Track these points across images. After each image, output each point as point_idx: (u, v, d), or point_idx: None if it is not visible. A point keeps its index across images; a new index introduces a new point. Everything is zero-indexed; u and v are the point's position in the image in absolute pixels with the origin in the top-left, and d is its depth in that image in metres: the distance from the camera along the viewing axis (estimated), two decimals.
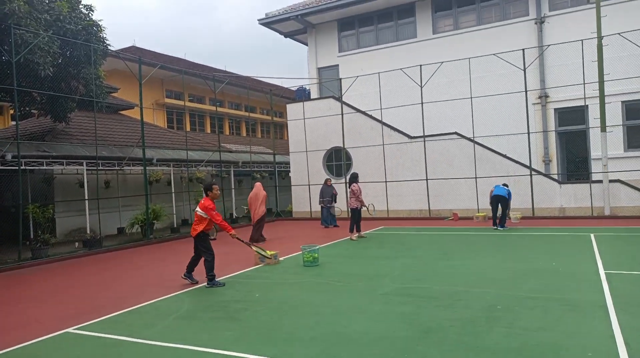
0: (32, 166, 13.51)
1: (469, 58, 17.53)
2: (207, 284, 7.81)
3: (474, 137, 17.19)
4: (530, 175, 16.06)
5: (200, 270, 8.10)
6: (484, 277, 7.43)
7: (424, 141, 17.89)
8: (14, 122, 22.16)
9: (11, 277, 10.01)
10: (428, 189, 17.72)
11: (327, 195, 16.54)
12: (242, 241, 8.53)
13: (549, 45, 17.01)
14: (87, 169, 14.92)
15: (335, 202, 16.84)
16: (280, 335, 5.09)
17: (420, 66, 18.02)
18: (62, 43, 12.93)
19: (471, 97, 17.44)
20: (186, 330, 5.49)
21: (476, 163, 16.90)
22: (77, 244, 13.96)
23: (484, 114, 17.77)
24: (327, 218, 16.50)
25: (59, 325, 5.94)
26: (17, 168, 12.03)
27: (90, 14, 14.01)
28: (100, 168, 15.26)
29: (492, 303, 5.86)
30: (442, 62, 17.76)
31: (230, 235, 8.10)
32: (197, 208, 8.07)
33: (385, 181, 18.53)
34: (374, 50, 21.03)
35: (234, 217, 20.07)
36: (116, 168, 16.21)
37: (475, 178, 16.80)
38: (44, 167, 13.93)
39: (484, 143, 17.21)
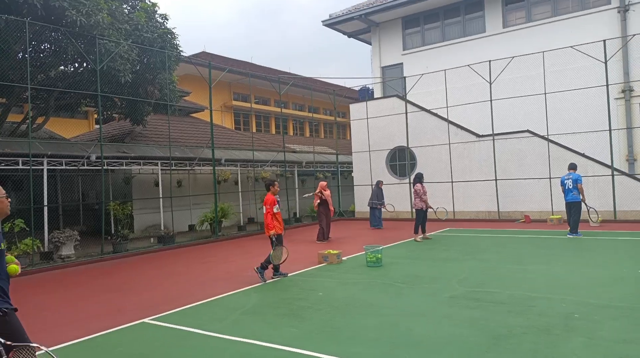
0: (113, 166, 14.52)
1: (543, 52, 16.58)
2: (257, 268, 8.25)
3: (547, 135, 16.24)
4: (612, 175, 14.90)
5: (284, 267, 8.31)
6: (559, 283, 6.99)
7: (493, 140, 17.17)
8: (97, 126, 23.98)
9: (96, 269, 10.83)
10: (497, 190, 16.99)
11: (380, 198, 16.36)
12: (273, 241, 8.47)
13: (634, 35, 15.68)
14: (161, 169, 15.80)
15: (384, 206, 16.65)
16: (344, 335, 5.10)
17: (490, 61, 17.31)
18: (140, 51, 13.79)
19: (545, 93, 16.49)
20: (253, 325, 5.65)
21: (550, 162, 15.96)
22: (152, 239, 14.82)
23: (559, 111, 16.73)
24: (378, 219, 16.30)
25: (137, 315, 6.33)
26: (100, 167, 13.00)
27: (165, 23, 14.84)
28: (173, 167, 16.10)
29: (569, 311, 5.50)
30: (513, 57, 16.95)
31: (269, 235, 8.44)
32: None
33: (452, 182, 17.99)
34: (439, 47, 20.49)
35: (298, 216, 20.37)
36: (187, 168, 17.03)
37: (550, 178, 15.86)
38: (124, 167, 14.93)
39: (559, 141, 16.21)
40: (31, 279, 9.87)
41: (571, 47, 16.03)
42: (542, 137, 16.38)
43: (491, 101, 17.29)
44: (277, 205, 8.60)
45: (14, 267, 3.51)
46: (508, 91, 17.70)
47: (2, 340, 3.06)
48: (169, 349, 4.96)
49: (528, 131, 16.72)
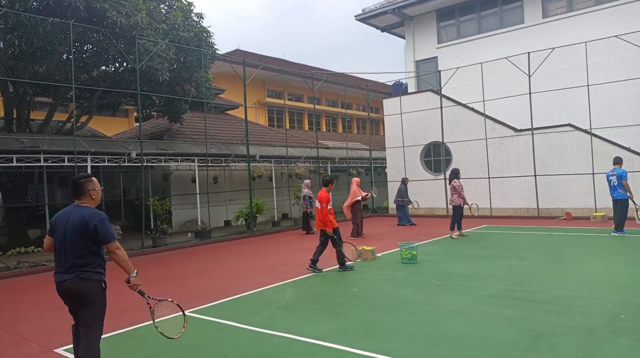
0: (153, 162, 14.95)
1: (585, 42, 15.92)
2: (339, 268, 8.54)
3: (590, 128, 15.62)
4: None
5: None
6: (603, 283, 6.74)
7: (532, 134, 16.66)
8: (137, 124, 24.74)
9: (137, 262, 11.12)
10: (537, 186, 16.48)
11: (405, 195, 16.16)
12: (335, 238, 8.66)
13: None
14: (198, 166, 16.16)
15: (411, 203, 16.47)
16: (380, 331, 5.09)
17: (529, 53, 16.77)
18: (177, 50, 14.12)
19: (588, 85, 15.85)
20: (288, 319, 5.72)
21: (593, 157, 15.35)
22: (190, 234, 15.19)
23: (602, 103, 16.03)
24: (405, 217, 16.12)
25: (164, 314, 6.49)
26: (140, 164, 13.42)
27: (200, 22, 15.13)
28: (210, 164, 16.43)
29: (614, 312, 5.30)
30: (554, 48, 16.36)
31: (328, 231, 8.57)
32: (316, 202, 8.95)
33: (489, 178, 17.59)
34: (475, 39, 20.00)
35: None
36: (223, 164, 17.34)
37: (593, 173, 15.27)
38: (162, 164, 15.35)
39: (602, 135, 15.56)
40: None
41: (615, 36, 15.33)
42: (585, 131, 15.77)
43: (530, 94, 16.76)
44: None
45: None
46: (548, 83, 17.10)
47: (146, 294, 4.15)
48: (208, 341, 5.09)
49: (569, 124, 16.13)
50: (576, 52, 16.39)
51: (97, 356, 3.95)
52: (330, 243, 8.68)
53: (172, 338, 4.39)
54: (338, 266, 8.63)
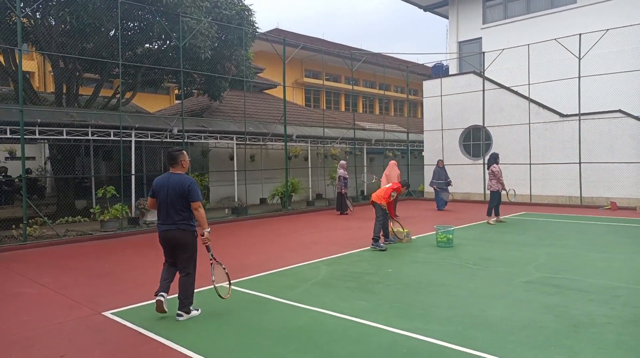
0: (193, 139, 15.30)
1: None
2: (372, 245, 8.84)
3: None
4: None
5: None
6: None
7: (579, 120, 16.01)
8: (178, 101, 25.28)
9: None
10: (581, 174, 15.90)
11: (442, 177, 15.81)
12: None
13: None
14: (236, 144, 16.42)
15: (451, 185, 16.04)
16: (415, 311, 5.12)
17: (580, 34, 15.99)
18: (219, 28, 14.24)
19: None
20: (324, 295, 5.83)
21: None
22: (227, 211, 15.55)
23: None
24: (441, 200, 15.80)
25: (216, 279, 6.72)
26: (181, 140, 13.76)
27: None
28: (247, 142, 16.66)
29: None
30: (607, 30, 15.52)
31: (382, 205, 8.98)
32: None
33: (530, 164, 17.09)
34: (524, 19, 19.25)
35: (365, 194, 20.39)
36: (260, 143, 17.55)
37: None
38: (202, 141, 15.68)
39: None
40: (120, 241, 10.79)
41: None
42: (636, 117, 15.03)
43: (579, 77, 16.02)
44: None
45: None
46: (599, 67, 16.30)
47: (211, 251, 5.23)
48: (246, 312, 5.27)
49: (620, 111, 15.39)
50: (631, 34, 15.53)
51: (193, 286, 5.11)
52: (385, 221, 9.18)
53: (222, 298, 5.30)
54: (372, 243, 8.87)
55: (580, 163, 15.91)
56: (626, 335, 4.28)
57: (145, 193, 16.36)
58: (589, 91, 16.25)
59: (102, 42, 13.31)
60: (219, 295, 5.23)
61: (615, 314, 4.86)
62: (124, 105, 15.09)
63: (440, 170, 16.09)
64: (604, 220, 12.42)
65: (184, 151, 5.26)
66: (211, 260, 5.27)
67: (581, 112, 16.01)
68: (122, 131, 12.58)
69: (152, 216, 12.70)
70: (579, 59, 15.95)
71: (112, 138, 13.08)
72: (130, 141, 13.39)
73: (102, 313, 5.33)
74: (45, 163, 20.14)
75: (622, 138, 15.26)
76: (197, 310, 5.18)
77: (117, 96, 15.18)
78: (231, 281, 5.39)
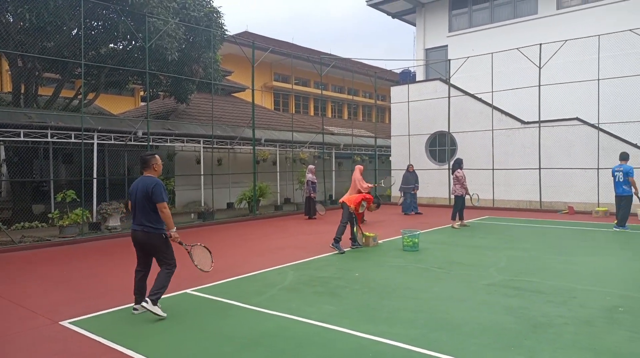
0: (158, 142, 14.98)
1: (599, 35, 15.75)
2: (332, 244, 8.96)
3: (598, 123, 15.54)
4: None
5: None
6: (602, 276, 6.79)
7: (539, 127, 16.59)
8: (143, 103, 24.71)
9: None
10: (540, 180, 16.47)
11: (410, 182, 16.09)
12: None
13: None
14: (203, 147, 16.18)
15: (415, 191, 16.29)
16: (381, 315, 5.16)
17: (540, 44, 16.61)
18: (187, 29, 14.04)
19: (598, 79, 15.73)
20: (290, 300, 5.80)
21: (599, 152, 15.29)
22: (192, 215, 15.29)
23: (612, 99, 15.91)
24: (410, 205, 16.04)
25: (180, 285, 6.59)
26: (146, 143, 13.45)
27: (211, 1, 15.00)
28: (215, 146, 16.44)
29: (613, 305, 5.35)
30: (566, 41, 16.18)
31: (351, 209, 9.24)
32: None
33: (493, 169, 17.57)
34: (487, 29, 19.83)
35: (334, 198, 20.47)
36: (228, 146, 17.37)
37: (598, 168, 15.23)
38: (168, 144, 15.38)
39: (611, 130, 15.48)
40: (80, 248, 10.43)
41: (630, 30, 15.15)
42: (592, 125, 15.70)
43: (539, 86, 16.64)
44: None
45: None
46: (558, 76, 16.98)
47: (184, 243, 5.42)
48: (209, 318, 5.17)
49: (577, 118, 16.05)
50: (589, 45, 16.24)
51: (167, 281, 5.27)
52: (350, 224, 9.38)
53: (207, 271, 5.71)
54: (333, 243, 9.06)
55: (540, 168, 16.47)
56: (582, 335, 4.44)
57: (107, 198, 15.90)
58: (549, 99, 16.88)
59: (64, 41, 12.88)
60: (205, 271, 5.68)
61: (571, 315, 5.03)
62: (86, 106, 14.63)
63: (410, 175, 16.32)
64: (562, 224, 12.88)
65: (156, 155, 5.45)
66: (187, 249, 5.53)
67: (541, 119, 16.61)
68: (84, 133, 12.19)
69: (114, 221, 12.35)
70: (540, 68, 16.56)
71: (73, 140, 12.65)
72: (93, 143, 12.99)
73: (60, 322, 5.13)
74: (0, 166, 19.29)
75: (579, 144, 15.90)
76: (163, 312, 5.18)
77: (79, 96, 14.71)
78: (203, 270, 5.65)
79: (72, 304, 5.86)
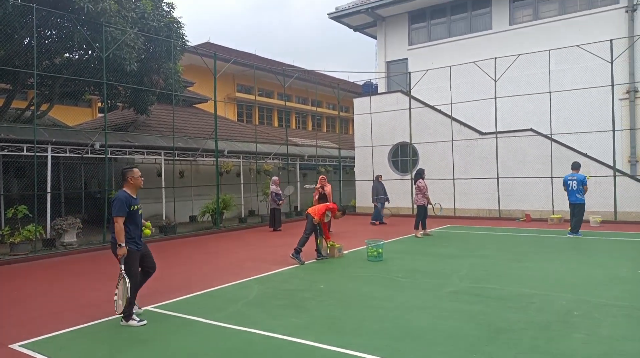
0: (117, 154, 14.55)
1: (549, 50, 16.56)
2: (292, 255, 8.99)
3: (551, 134, 16.25)
4: (614, 176, 14.93)
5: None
6: (559, 281, 7.04)
7: (496, 138, 17.18)
8: (101, 115, 23.98)
9: (97, 257, 10.89)
10: (499, 188, 17.02)
11: (381, 192, 16.36)
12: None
13: None
14: (164, 159, 15.83)
15: (388, 201, 16.62)
16: (346, 326, 5.15)
17: (495, 58, 17.28)
18: (146, 39, 13.77)
19: (550, 92, 16.49)
20: (255, 315, 5.70)
21: (552, 161, 15.97)
22: (153, 229, 14.84)
23: (563, 110, 16.71)
24: (378, 214, 16.28)
25: (140, 302, 6.34)
26: (104, 156, 13.03)
27: (171, 12, 14.81)
28: (176, 158, 16.12)
29: (568, 309, 5.55)
30: (519, 55, 16.91)
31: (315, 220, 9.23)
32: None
33: (453, 179, 18.02)
34: (445, 43, 20.43)
35: (299, 210, 20.42)
36: (190, 158, 17.06)
37: (551, 177, 15.88)
38: (127, 156, 14.95)
39: (562, 140, 16.22)
40: (33, 265, 9.94)
41: (578, 46, 16.00)
42: (545, 136, 16.39)
43: (495, 98, 17.28)
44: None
45: (147, 231, 5.86)
46: (513, 88, 17.69)
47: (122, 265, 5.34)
48: (172, 336, 5.02)
49: (531, 129, 16.73)
50: (540, 59, 17.02)
51: (130, 293, 5.25)
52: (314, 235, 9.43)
53: (115, 308, 5.35)
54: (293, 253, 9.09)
55: (498, 177, 17.02)
56: (540, 339, 4.57)
57: (63, 212, 15.24)
58: (505, 111, 17.54)
59: (15, 50, 12.37)
60: (115, 310, 5.33)
61: (530, 320, 5.18)
62: (39, 118, 14.09)
63: (379, 185, 16.54)
64: (520, 231, 13.32)
65: (134, 168, 5.61)
66: (120, 271, 5.34)
67: (498, 130, 17.21)
68: (37, 145, 11.69)
69: (70, 237, 11.85)
70: (495, 80, 17.20)
71: (25, 153, 12.10)
72: (47, 156, 12.47)
73: (9, 345, 4.85)
74: None
75: (533, 154, 16.55)
76: (142, 320, 5.40)
77: (32, 107, 14.12)
78: (129, 296, 5.29)
79: (23, 325, 5.55)
